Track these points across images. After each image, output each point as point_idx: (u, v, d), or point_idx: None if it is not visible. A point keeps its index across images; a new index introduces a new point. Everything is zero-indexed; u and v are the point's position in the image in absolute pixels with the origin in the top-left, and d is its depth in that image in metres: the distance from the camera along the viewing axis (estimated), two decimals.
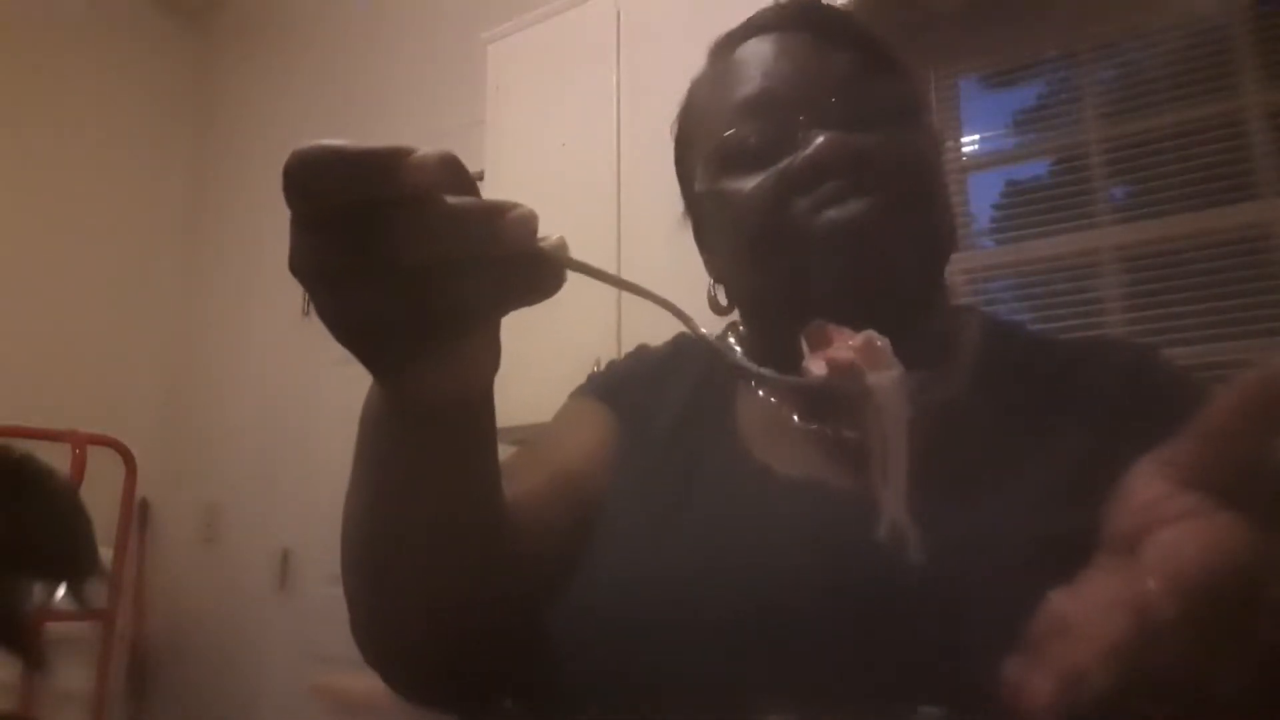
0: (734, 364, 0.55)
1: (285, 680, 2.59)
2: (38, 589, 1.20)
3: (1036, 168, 1.94)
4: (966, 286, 1.92)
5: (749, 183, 0.55)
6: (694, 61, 0.71)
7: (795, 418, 0.58)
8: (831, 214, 0.52)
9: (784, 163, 0.54)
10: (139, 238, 3.28)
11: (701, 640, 0.48)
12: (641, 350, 0.72)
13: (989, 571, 0.46)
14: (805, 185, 0.53)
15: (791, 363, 0.52)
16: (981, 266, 1.92)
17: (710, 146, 0.59)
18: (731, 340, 0.66)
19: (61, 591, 1.25)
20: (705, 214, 0.62)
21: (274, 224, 3.10)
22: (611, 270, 1.76)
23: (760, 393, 0.60)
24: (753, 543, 0.52)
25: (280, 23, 3.34)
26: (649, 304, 0.56)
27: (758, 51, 0.59)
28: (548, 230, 0.39)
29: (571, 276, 0.39)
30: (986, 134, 1.98)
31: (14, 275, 2.90)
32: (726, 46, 0.62)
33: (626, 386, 0.66)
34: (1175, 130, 1.74)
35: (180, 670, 2.90)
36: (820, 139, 0.53)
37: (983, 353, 0.59)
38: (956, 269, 1.91)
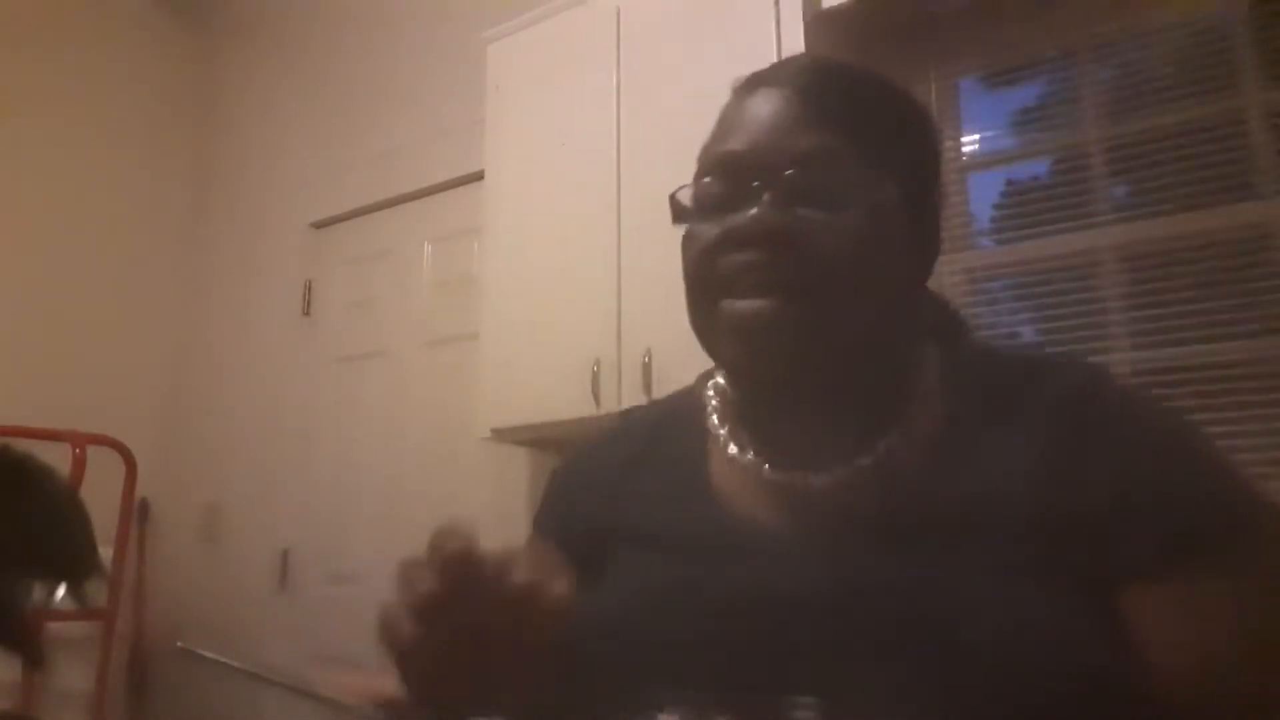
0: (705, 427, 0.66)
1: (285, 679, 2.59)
2: (38, 589, 1.20)
3: (1036, 167, 1.93)
4: (966, 286, 1.92)
5: (702, 227, 0.62)
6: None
7: (750, 454, 0.63)
8: (737, 306, 0.58)
9: (728, 220, 0.60)
10: (139, 237, 3.28)
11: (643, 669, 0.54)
12: (584, 449, 0.77)
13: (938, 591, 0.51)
14: (730, 250, 0.59)
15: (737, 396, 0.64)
16: (981, 266, 1.92)
17: (696, 179, 0.65)
18: (710, 392, 0.70)
19: (61, 591, 1.25)
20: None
21: (273, 222, 3.11)
22: (612, 270, 1.77)
23: (723, 437, 0.65)
24: (718, 575, 0.57)
25: (280, 22, 3.34)
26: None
27: (758, 105, 0.63)
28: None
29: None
30: (986, 134, 1.98)
31: (14, 275, 2.90)
32: (744, 90, 0.66)
33: (573, 507, 0.71)
34: (1175, 130, 1.74)
35: (180, 670, 2.90)
36: (753, 211, 0.58)
37: (940, 400, 0.62)
38: (957, 269, 1.91)
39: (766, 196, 0.58)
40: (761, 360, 0.58)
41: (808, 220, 0.57)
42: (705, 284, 0.61)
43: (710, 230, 0.61)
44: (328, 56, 3.13)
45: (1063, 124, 1.88)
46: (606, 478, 0.70)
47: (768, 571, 0.56)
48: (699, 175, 0.64)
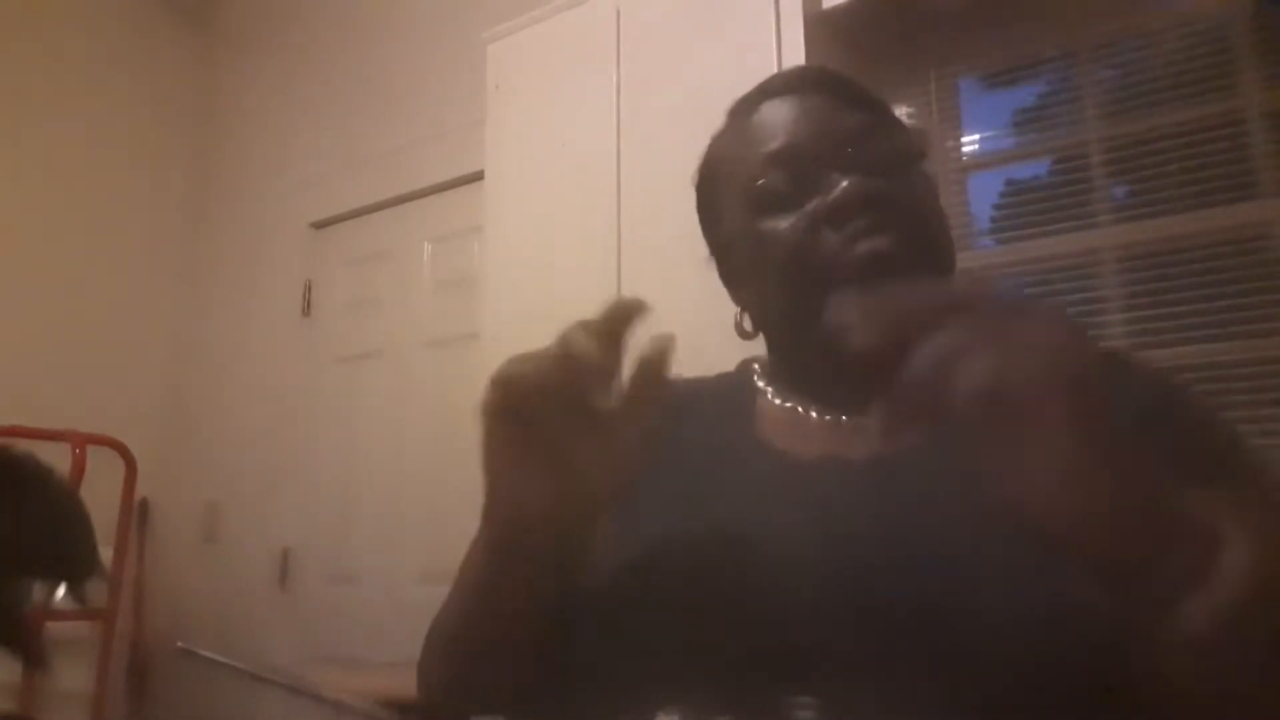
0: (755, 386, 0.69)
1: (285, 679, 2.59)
2: (38, 589, 1.20)
3: (1036, 167, 1.93)
4: None
5: (782, 222, 0.63)
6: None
7: (813, 414, 0.65)
8: (865, 246, 0.60)
9: (812, 204, 0.62)
10: (139, 237, 3.28)
11: (717, 611, 0.54)
12: None
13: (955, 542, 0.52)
14: (835, 223, 0.61)
15: (819, 379, 0.64)
16: (981, 266, 1.92)
17: (742, 193, 0.66)
18: (756, 365, 0.74)
19: (61, 591, 1.25)
20: (737, 251, 0.69)
21: (273, 222, 3.11)
22: (612, 271, 1.78)
23: (778, 401, 0.68)
24: (771, 516, 0.59)
25: (280, 21, 3.34)
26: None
27: (778, 111, 0.66)
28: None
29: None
30: (986, 133, 1.98)
31: (14, 274, 2.90)
32: (745, 108, 0.69)
33: None
34: (1175, 129, 1.74)
35: (180, 670, 2.90)
36: (845, 183, 0.60)
37: None
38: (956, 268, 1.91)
39: (838, 174, 0.61)
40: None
41: (886, 184, 0.61)
42: (811, 262, 0.62)
43: (793, 220, 0.63)
44: (328, 56, 3.13)
45: (1063, 124, 1.88)
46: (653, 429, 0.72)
47: (804, 522, 0.57)
48: (746, 178, 0.65)
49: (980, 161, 1.98)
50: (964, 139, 1.99)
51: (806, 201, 0.62)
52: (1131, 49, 1.84)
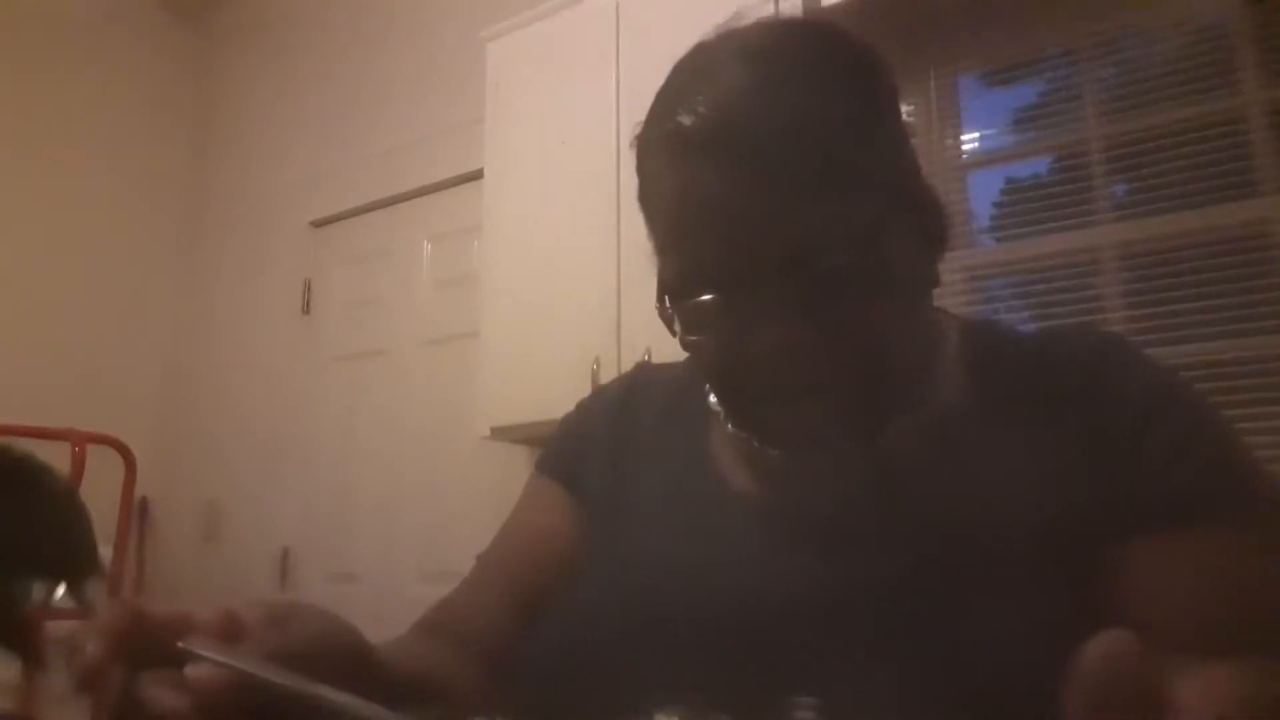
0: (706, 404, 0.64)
1: None
2: (37, 589, 1.20)
3: (1036, 165, 1.93)
4: (966, 285, 1.92)
5: (699, 338, 0.56)
6: None
7: (768, 448, 0.58)
8: (782, 411, 0.55)
9: (732, 331, 0.53)
10: (139, 235, 3.28)
11: (665, 649, 0.53)
12: (596, 397, 0.76)
13: (921, 573, 0.50)
14: (757, 371, 0.54)
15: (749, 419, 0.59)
16: (981, 265, 1.92)
17: (664, 287, 0.57)
18: None
19: (61, 591, 1.25)
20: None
21: (273, 222, 3.11)
22: (612, 269, 1.78)
23: (729, 427, 0.61)
24: (718, 557, 0.57)
25: (280, 21, 3.34)
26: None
27: (708, 185, 0.51)
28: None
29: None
30: (986, 132, 1.98)
31: (13, 274, 2.89)
32: (671, 149, 0.54)
33: (585, 450, 0.70)
34: (1175, 127, 1.74)
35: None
36: (772, 331, 0.52)
37: (956, 385, 0.59)
38: (956, 267, 1.91)
39: (778, 303, 0.51)
40: (814, 411, 0.55)
41: (830, 305, 0.52)
42: (728, 391, 0.58)
43: (711, 344, 0.55)
44: (328, 55, 3.12)
45: (1063, 122, 1.88)
46: (616, 434, 0.69)
47: (761, 559, 0.56)
48: (681, 287, 0.55)
49: (980, 160, 1.98)
50: (964, 137, 1.99)
51: (740, 324, 0.53)
52: (1131, 47, 1.84)
